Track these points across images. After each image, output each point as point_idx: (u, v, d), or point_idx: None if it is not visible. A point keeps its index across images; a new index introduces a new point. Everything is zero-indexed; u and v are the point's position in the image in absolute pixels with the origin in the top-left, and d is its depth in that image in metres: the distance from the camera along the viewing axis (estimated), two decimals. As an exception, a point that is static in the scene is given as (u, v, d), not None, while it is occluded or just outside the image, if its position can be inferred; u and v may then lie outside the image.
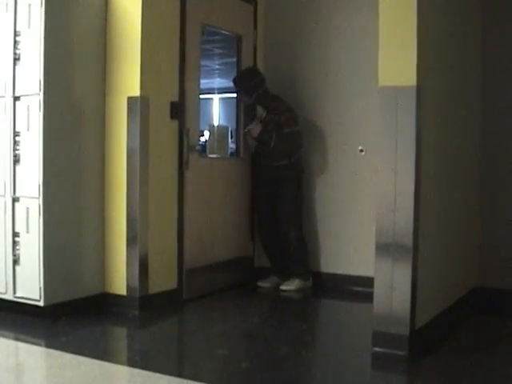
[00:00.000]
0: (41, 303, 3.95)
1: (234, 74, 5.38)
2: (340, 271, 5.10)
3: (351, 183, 5.07)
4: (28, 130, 3.97)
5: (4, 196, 4.07)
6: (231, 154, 5.51)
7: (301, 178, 5.13)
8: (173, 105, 4.46)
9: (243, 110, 5.33)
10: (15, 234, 4.04)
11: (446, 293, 4.00)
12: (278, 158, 5.00)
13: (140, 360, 3.42)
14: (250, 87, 5.00)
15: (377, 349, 3.37)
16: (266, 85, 5.05)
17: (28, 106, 3.96)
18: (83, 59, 4.19)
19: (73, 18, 4.11)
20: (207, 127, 5.73)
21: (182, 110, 4.54)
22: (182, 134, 4.54)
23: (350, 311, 4.76)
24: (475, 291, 4.54)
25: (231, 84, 5.24)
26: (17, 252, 4.03)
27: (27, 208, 3.98)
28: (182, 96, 4.55)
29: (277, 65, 5.37)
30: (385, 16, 3.41)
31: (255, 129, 5.02)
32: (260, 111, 5.15)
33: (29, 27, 3.93)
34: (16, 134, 4.01)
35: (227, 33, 5.35)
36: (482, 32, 4.61)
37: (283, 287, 5.00)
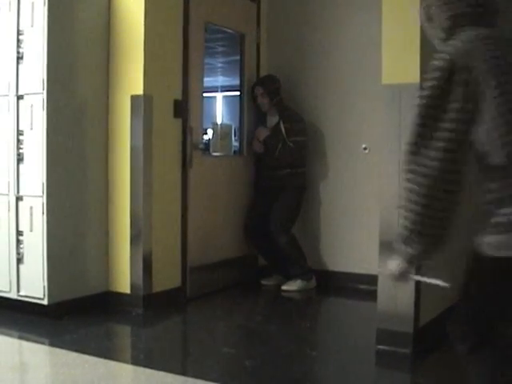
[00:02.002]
0: (45, 302, 3.95)
1: (237, 72, 5.38)
2: (344, 269, 5.09)
3: (355, 181, 5.05)
4: (31, 128, 3.97)
5: (8, 195, 4.08)
6: (235, 152, 5.50)
7: (303, 189, 5.11)
8: (176, 103, 4.46)
9: (256, 115, 5.29)
10: (19, 233, 4.04)
11: (450, 291, 3.98)
12: (282, 166, 5.01)
13: (144, 358, 3.43)
14: (273, 89, 5.06)
15: (381, 346, 3.37)
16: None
17: (31, 105, 3.95)
18: (86, 58, 4.19)
19: (76, 16, 4.11)
20: (210, 125, 5.72)
21: (185, 108, 4.54)
22: (186, 132, 4.54)
23: (353, 309, 4.75)
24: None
25: (237, 82, 5.22)
26: (20, 251, 4.03)
27: (31, 207, 3.98)
28: (186, 94, 4.54)
29: (280, 63, 5.36)
30: (388, 13, 3.41)
31: (262, 132, 5.09)
32: (271, 120, 5.13)
33: (32, 26, 3.93)
34: (19, 132, 4.01)
35: (230, 31, 5.35)
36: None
37: (284, 287, 4.96)
